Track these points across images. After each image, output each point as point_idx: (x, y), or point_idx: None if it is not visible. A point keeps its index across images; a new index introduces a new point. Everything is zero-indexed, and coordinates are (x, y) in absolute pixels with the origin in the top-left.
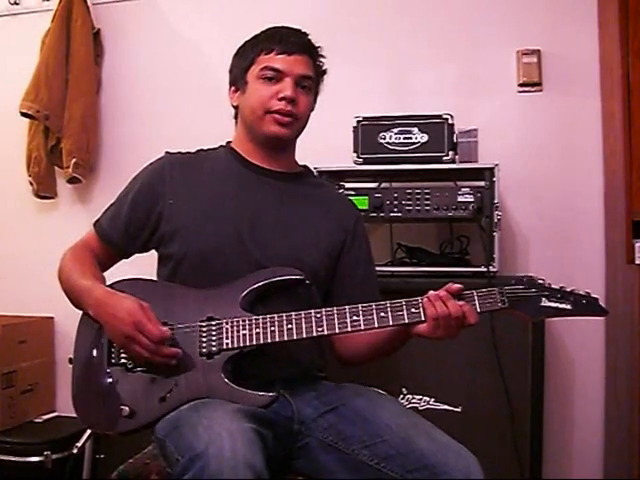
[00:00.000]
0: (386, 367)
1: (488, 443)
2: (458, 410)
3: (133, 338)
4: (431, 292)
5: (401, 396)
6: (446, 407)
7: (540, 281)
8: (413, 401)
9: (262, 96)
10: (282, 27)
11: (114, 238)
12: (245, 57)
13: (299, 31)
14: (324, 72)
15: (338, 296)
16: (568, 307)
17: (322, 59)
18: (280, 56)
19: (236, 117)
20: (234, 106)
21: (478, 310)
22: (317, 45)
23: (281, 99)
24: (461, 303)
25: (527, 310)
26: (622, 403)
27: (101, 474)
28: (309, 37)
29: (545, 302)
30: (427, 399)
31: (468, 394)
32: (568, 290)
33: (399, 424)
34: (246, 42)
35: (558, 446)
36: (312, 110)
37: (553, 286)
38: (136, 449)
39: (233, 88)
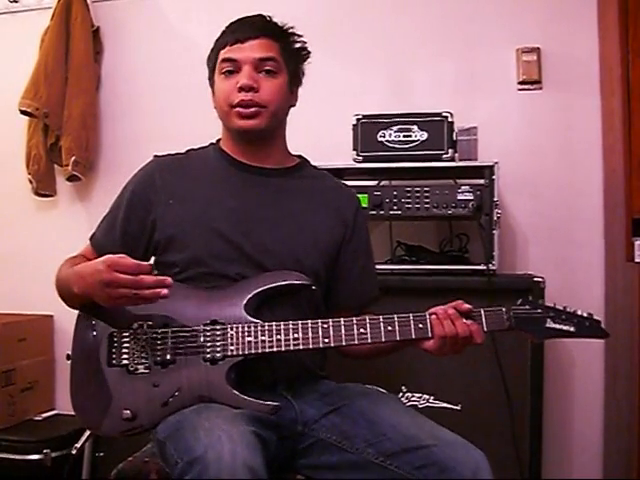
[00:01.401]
0: (386, 365)
1: (487, 441)
2: (457, 408)
3: (113, 280)
4: (439, 308)
5: (400, 394)
6: (445, 405)
7: (542, 301)
8: (413, 399)
9: (224, 91)
10: (240, 18)
11: (110, 251)
12: (210, 59)
13: (256, 16)
14: (298, 50)
15: (337, 289)
16: (572, 329)
17: (293, 38)
18: (234, 46)
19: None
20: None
21: (485, 329)
22: (285, 25)
23: (240, 90)
24: (469, 322)
25: (532, 331)
26: (621, 402)
27: (100, 472)
28: (269, 19)
29: (550, 323)
30: (427, 397)
31: (468, 392)
32: (571, 311)
33: (403, 422)
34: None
35: (558, 446)
36: (290, 92)
37: (558, 307)
38: (135, 447)
39: (211, 91)
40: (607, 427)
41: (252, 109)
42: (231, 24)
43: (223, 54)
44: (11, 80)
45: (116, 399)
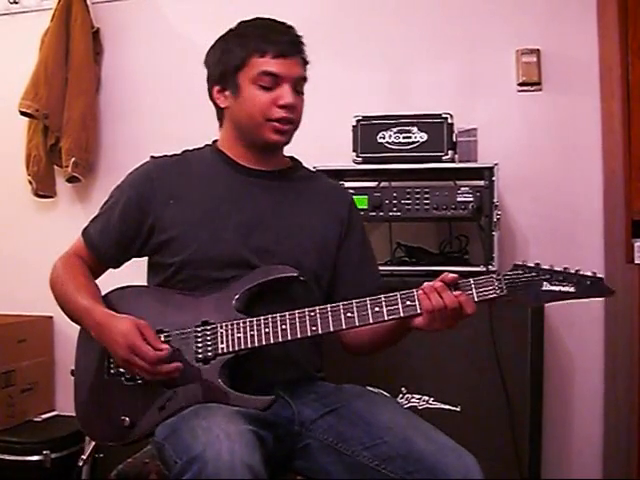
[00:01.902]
0: (385, 366)
1: (487, 443)
2: (457, 409)
3: (129, 361)
4: (426, 283)
5: (400, 395)
6: (445, 406)
7: (537, 263)
8: (412, 400)
9: (261, 103)
10: (270, 22)
11: (104, 251)
12: (233, 55)
13: (289, 27)
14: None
15: (336, 286)
16: (571, 290)
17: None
18: (276, 60)
19: (221, 117)
20: (221, 107)
21: (475, 299)
22: (303, 39)
23: (281, 107)
24: (457, 293)
25: (528, 296)
26: (621, 402)
27: (100, 473)
28: (297, 32)
29: (547, 286)
30: (426, 398)
31: (467, 393)
32: (571, 272)
33: (399, 425)
34: (229, 36)
35: (557, 446)
36: None
37: (556, 268)
38: (135, 449)
39: (218, 87)
40: (607, 427)
41: (289, 126)
42: (265, 27)
43: (262, 64)
44: (11, 81)
45: (115, 408)
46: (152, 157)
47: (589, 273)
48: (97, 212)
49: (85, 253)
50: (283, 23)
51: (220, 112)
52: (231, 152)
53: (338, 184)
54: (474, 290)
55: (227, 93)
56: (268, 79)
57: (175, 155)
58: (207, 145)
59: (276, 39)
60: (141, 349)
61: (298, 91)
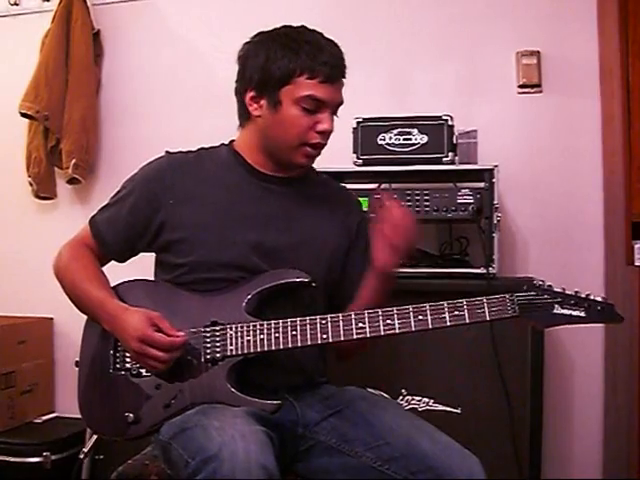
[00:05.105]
0: (386, 368)
1: (487, 444)
2: (457, 411)
3: (142, 353)
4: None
5: (401, 397)
6: (446, 408)
7: (550, 285)
8: (413, 402)
9: (301, 126)
10: (319, 36)
11: (111, 243)
12: (279, 67)
13: (336, 46)
14: None
15: (335, 297)
16: (582, 314)
17: None
18: (324, 84)
19: (244, 120)
20: (251, 114)
21: (487, 318)
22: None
23: (319, 132)
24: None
25: (539, 318)
26: (621, 404)
27: (100, 475)
28: (341, 50)
29: (558, 309)
30: (427, 400)
31: (468, 395)
32: (582, 296)
33: (402, 426)
34: (274, 41)
35: (557, 447)
36: None
37: (567, 292)
38: (135, 450)
39: (253, 94)
40: (607, 428)
41: (319, 151)
42: (316, 45)
43: (310, 87)
44: (12, 82)
45: (120, 403)
46: (167, 152)
47: (599, 298)
48: (107, 201)
49: (91, 242)
50: (331, 40)
51: (246, 115)
52: (248, 156)
53: (353, 195)
54: (486, 308)
55: (262, 102)
56: (312, 103)
57: (191, 152)
58: (223, 144)
59: (327, 61)
60: (153, 337)
61: (333, 114)
